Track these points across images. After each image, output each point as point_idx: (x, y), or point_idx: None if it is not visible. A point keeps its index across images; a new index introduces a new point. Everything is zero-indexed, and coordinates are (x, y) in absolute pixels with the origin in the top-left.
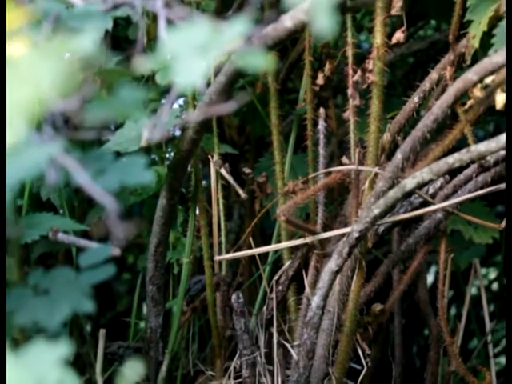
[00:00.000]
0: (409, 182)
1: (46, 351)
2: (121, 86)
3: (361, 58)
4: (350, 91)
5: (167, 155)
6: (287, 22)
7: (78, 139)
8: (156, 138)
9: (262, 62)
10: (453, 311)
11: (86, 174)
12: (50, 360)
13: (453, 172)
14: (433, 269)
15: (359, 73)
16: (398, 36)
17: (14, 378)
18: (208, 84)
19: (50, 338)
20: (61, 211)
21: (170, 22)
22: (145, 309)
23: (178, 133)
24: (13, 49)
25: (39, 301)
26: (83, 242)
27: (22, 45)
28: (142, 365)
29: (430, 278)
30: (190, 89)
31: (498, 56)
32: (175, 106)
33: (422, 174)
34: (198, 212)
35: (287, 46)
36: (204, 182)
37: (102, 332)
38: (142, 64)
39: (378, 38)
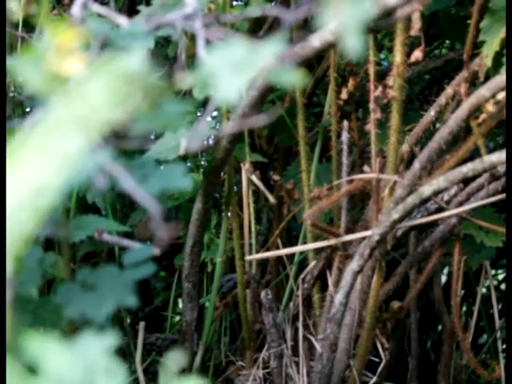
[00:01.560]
0: (426, 190)
1: (94, 341)
2: (166, 100)
3: (381, 75)
4: (371, 105)
5: (202, 163)
6: (315, 41)
7: (123, 148)
8: (194, 147)
9: (293, 79)
10: (464, 309)
11: (131, 179)
12: (98, 349)
13: (466, 180)
14: (446, 270)
15: (380, 88)
16: (417, 55)
17: (64, 366)
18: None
19: (97, 329)
20: (105, 214)
21: (207, 41)
22: (180, 304)
23: (212, 143)
24: (67, 66)
25: (87, 295)
26: (126, 242)
27: (75, 62)
28: (182, 356)
29: (443, 279)
30: (226, 103)
31: None
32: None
33: (438, 182)
34: (230, 215)
35: (313, 63)
36: (236, 188)
37: (142, 324)
38: (183, 80)
39: (398, 57)
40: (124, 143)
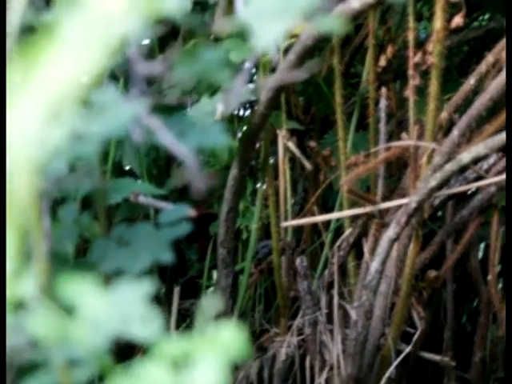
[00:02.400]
0: (465, 157)
1: (131, 289)
2: (203, 48)
3: (419, 45)
4: (410, 71)
5: (238, 131)
6: (354, 2)
7: (161, 104)
8: (230, 110)
9: (338, 26)
10: (501, 285)
11: (169, 134)
12: (135, 297)
13: None
14: (482, 245)
15: (419, 55)
16: (458, 21)
17: (100, 311)
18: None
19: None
20: (140, 180)
21: None
22: (215, 275)
23: (247, 112)
24: (103, 5)
25: (122, 251)
26: (161, 204)
27: (114, 4)
28: (219, 299)
29: (480, 254)
30: (266, 55)
31: None
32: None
33: (478, 148)
34: (266, 182)
35: (350, 32)
36: (271, 158)
37: (177, 290)
38: (222, 26)
39: (438, 23)
40: (162, 98)
